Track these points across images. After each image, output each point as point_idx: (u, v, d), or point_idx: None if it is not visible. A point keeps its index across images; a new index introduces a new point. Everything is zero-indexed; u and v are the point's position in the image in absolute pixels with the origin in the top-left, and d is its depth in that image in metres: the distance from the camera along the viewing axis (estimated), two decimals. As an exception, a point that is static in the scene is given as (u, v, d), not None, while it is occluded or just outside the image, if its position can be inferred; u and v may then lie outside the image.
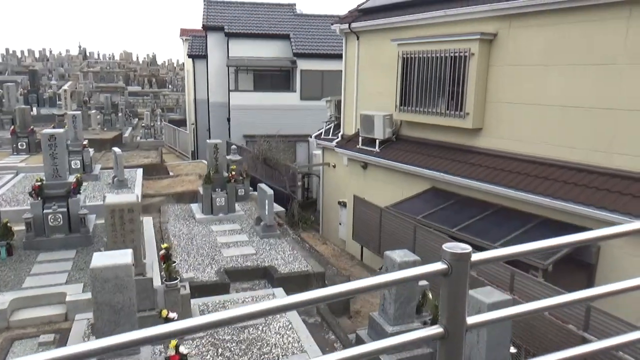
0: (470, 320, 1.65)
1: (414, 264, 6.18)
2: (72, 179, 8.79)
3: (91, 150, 14.04)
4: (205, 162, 13.76)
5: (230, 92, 22.67)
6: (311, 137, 16.05)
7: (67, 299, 6.55)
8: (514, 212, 9.10)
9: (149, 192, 12.80)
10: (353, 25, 13.31)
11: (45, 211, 8.36)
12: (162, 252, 5.76)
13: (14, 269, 7.56)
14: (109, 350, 1.18)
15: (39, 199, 8.41)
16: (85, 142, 13.17)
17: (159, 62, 61.03)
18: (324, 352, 5.93)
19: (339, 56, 15.05)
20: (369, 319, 6.67)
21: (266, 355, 5.37)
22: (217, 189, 10.76)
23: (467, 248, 1.57)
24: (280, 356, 5.34)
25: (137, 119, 32.96)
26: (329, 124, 15.79)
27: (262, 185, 9.99)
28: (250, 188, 13.40)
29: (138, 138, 26.15)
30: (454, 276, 1.58)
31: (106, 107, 23.49)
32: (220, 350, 5.44)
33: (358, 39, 13.52)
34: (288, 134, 21.46)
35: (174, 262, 5.90)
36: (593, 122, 8.19)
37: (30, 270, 7.55)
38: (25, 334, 6.14)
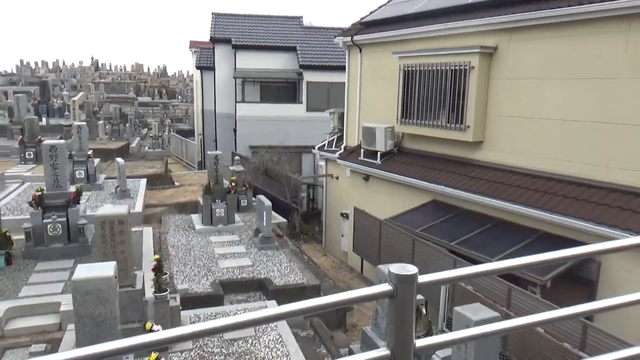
0: (419, 342, 1.63)
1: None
2: (72, 189, 8.88)
3: (96, 160, 14.20)
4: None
5: (237, 104, 22.85)
6: (314, 148, 16.07)
7: (62, 308, 6.58)
8: (513, 226, 9.01)
9: (151, 202, 12.88)
10: (355, 38, 13.39)
11: (44, 221, 8.45)
12: (154, 263, 5.77)
13: (12, 278, 7.62)
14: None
15: (39, 208, 8.50)
16: (89, 152, 13.32)
17: (170, 73, 61.79)
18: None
19: (344, 68, 15.13)
20: (362, 333, 6.61)
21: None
22: (217, 200, 10.80)
23: (413, 270, 1.55)
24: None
25: (146, 129, 33.31)
26: (332, 136, 15.83)
27: (261, 197, 10.01)
28: (254, 199, 13.43)
29: (146, 148, 26.40)
30: (399, 298, 1.56)
31: (114, 117, 23.77)
32: (209, 363, 5.42)
33: (361, 51, 13.58)
34: (294, 145, 21.56)
35: (165, 273, 5.91)
36: (593, 136, 8.12)
37: (27, 279, 7.61)
38: (18, 343, 6.17)
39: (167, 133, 30.49)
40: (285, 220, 13.56)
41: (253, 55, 23.17)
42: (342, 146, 14.45)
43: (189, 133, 33.71)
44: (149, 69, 62.55)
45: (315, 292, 7.97)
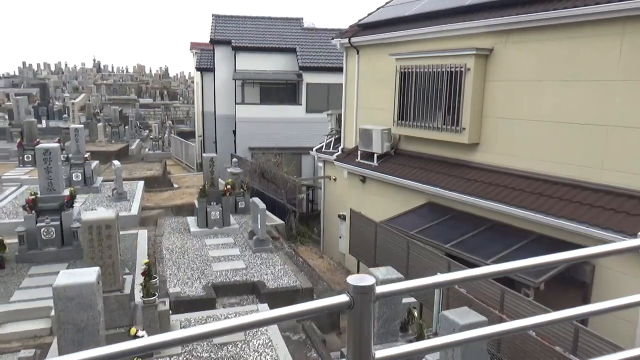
0: (379, 354, 1.61)
1: (398, 281, 6.10)
2: (66, 192, 8.88)
3: (95, 163, 14.22)
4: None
5: (237, 105, 22.86)
6: (312, 150, 16.05)
7: (53, 313, 6.57)
8: (509, 228, 8.96)
9: (148, 205, 12.88)
10: (353, 39, 13.36)
11: (38, 224, 8.45)
12: (143, 267, 5.76)
13: (4, 282, 7.62)
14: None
15: (33, 212, 8.51)
16: (87, 155, 13.33)
17: (172, 74, 61.91)
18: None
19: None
20: (354, 337, 6.58)
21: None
22: (212, 203, 10.78)
23: (371, 280, 1.53)
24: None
25: (147, 131, 33.35)
26: (330, 137, 15.81)
27: (255, 199, 10.00)
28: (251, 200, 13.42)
29: (146, 150, 26.44)
30: (357, 309, 1.54)
31: (114, 119, 23.81)
32: (198, 367, 5.40)
33: (358, 53, 13.56)
34: (294, 146, 21.57)
35: (155, 277, 5.90)
36: (587, 139, 8.07)
37: (20, 283, 7.61)
38: (8, 349, 6.16)
39: (167, 135, 30.52)
40: (282, 222, 13.56)
41: (253, 57, 23.19)
42: (340, 148, 14.43)
43: (190, 135, 33.74)
44: (151, 71, 62.74)
45: (308, 294, 7.95)
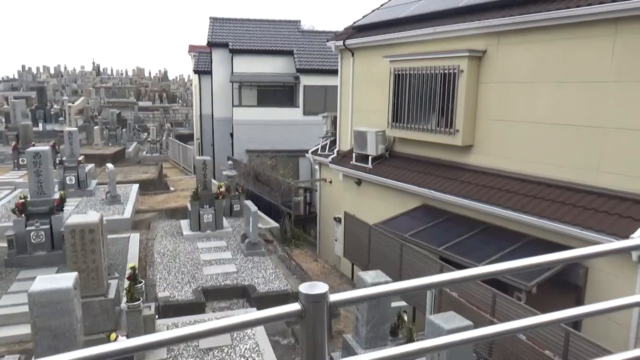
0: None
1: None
2: (57, 195, 8.83)
3: (89, 166, 14.17)
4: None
5: (234, 108, 22.83)
6: (308, 152, 16.00)
7: (37, 318, 6.50)
8: (502, 230, 8.90)
9: (142, 208, 12.83)
10: (347, 42, 13.33)
11: (28, 228, 8.39)
12: (129, 272, 5.71)
13: (-7, 286, 7.57)
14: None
15: (23, 216, 8.45)
16: (81, 158, 13.28)
17: (171, 77, 61.94)
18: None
19: (341, 72, 15.00)
20: (343, 341, 6.52)
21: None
22: (205, 206, 10.72)
23: (324, 288, 1.49)
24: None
25: (146, 134, 33.31)
26: (325, 140, 15.76)
27: (247, 202, 9.94)
28: (247, 203, 13.35)
29: (144, 153, 26.39)
30: (309, 318, 1.50)
31: (111, 122, 23.77)
32: (184, 373, 5.34)
33: (353, 55, 13.52)
34: (291, 148, 21.51)
35: (141, 282, 5.85)
36: (581, 140, 8.02)
37: (8, 288, 7.55)
38: (-6, 354, 6.10)
39: (164, 137, 30.49)
40: (277, 225, 13.49)
41: (250, 59, 23.16)
42: (335, 150, 14.38)
43: (189, 137, 33.71)
44: (150, 73, 62.76)
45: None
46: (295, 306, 1.50)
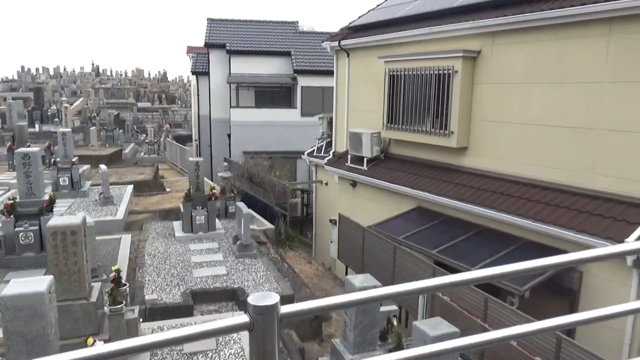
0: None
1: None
2: (46, 196, 8.74)
3: (84, 167, 14.08)
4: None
5: (231, 109, 22.73)
6: (304, 154, 15.91)
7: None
8: (497, 233, 8.80)
9: (135, 209, 12.74)
10: (343, 42, 13.24)
11: (16, 229, 8.30)
12: (112, 274, 5.61)
13: (-21, 288, 7.47)
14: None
15: (11, 217, 8.37)
16: (74, 159, 13.20)
17: (170, 78, 61.87)
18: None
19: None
20: (331, 345, 6.42)
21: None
22: (197, 207, 10.63)
23: (274, 299, 1.40)
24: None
25: (144, 135, 33.24)
26: (321, 141, 15.67)
27: (239, 204, 9.85)
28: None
29: (142, 154, 26.32)
30: (258, 331, 1.40)
31: (108, 123, 23.69)
32: (168, 378, 5.24)
33: (348, 56, 13.44)
34: (289, 150, 21.42)
35: (125, 285, 5.75)
36: (575, 142, 7.91)
37: (-5, 289, 7.45)
38: (-25, 357, 6.00)
39: (162, 139, 30.43)
40: (272, 226, 13.40)
41: (247, 60, 23.08)
42: (331, 152, 14.29)
43: (188, 138, 33.61)
44: (149, 74, 62.72)
45: (289, 302, 7.76)
46: (243, 318, 1.41)
